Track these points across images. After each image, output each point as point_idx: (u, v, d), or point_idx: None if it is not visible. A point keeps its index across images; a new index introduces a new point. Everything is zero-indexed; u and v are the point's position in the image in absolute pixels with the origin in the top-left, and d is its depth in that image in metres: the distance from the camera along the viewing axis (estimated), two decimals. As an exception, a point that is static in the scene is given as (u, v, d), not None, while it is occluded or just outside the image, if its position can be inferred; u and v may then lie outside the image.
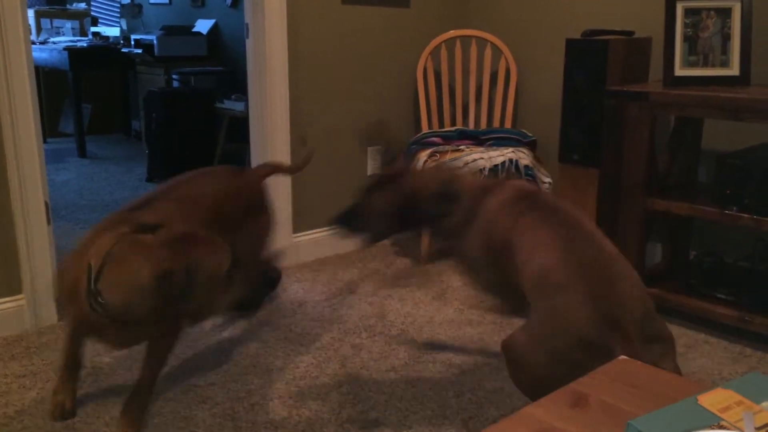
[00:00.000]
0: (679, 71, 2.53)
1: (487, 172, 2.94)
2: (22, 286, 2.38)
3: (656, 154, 2.66)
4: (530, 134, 3.19)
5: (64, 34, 6.19)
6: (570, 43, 2.78)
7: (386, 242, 3.45)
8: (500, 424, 1.10)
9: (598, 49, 2.70)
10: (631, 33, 2.86)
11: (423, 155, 3.05)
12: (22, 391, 2.00)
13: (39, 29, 5.98)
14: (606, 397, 1.08)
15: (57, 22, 6.26)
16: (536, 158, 3.05)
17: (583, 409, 1.06)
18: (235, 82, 5.10)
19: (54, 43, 5.67)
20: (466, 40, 3.41)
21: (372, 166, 3.38)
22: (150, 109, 4.74)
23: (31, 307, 2.39)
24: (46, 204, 2.41)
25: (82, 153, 5.37)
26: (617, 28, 2.91)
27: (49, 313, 2.44)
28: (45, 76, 5.81)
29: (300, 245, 3.15)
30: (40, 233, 2.38)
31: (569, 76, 2.80)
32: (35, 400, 1.95)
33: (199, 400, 1.97)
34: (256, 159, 3.04)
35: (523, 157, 2.96)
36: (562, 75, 2.83)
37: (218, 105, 4.80)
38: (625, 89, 2.53)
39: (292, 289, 2.82)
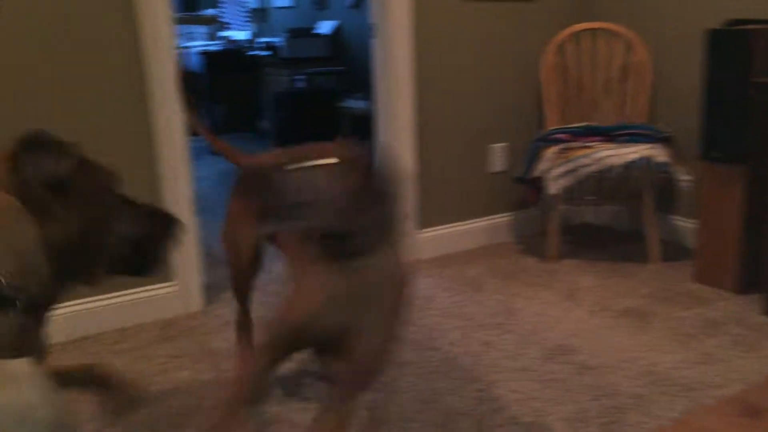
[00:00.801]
0: (842, 61, 2.33)
1: (619, 170, 2.84)
2: (174, 274, 2.57)
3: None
4: (666, 130, 3.04)
5: (196, 39, 6.57)
6: (711, 34, 2.63)
7: (511, 240, 3.42)
8: (666, 430, 1.07)
9: (742, 39, 2.53)
10: (782, 21, 2.66)
11: (549, 152, 2.99)
12: (175, 371, 2.16)
13: (175, 35, 6.39)
14: (786, 408, 1.02)
15: (189, 28, 6.66)
16: (674, 155, 2.91)
17: (757, 419, 1.01)
18: (357, 81, 5.22)
19: (188, 48, 6.03)
20: (594, 33, 3.31)
21: (496, 162, 3.36)
22: (278, 109, 4.94)
23: (181, 294, 2.58)
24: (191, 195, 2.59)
25: (214, 151, 5.68)
26: (762, 17, 2.72)
27: (196, 300, 2.63)
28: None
29: (426, 241, 3.18)
30: (188, 224, 2.56)
31: (710, 68, 2.65)
32: (187, 380, 2.10)
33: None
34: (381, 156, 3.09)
35: (659, 153, 2.84)
36: (702, 67, 2.69)
37: (340, 104, 4.93)
38: (777, 81, 2.37)
39: (420, 285, 2.85)
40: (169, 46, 2.40)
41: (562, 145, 3.03)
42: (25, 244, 0.97)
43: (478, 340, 2.35)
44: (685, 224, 3.24)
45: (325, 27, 5.76)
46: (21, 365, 0.94)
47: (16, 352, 0.95)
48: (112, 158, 2.41)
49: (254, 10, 6.78)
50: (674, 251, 3.16)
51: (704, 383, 2.05)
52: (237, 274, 1.87)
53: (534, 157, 3.07)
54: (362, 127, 4.66)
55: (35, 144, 0.98)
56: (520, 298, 2.70)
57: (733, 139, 2.62)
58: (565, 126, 3.23)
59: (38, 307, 1.00)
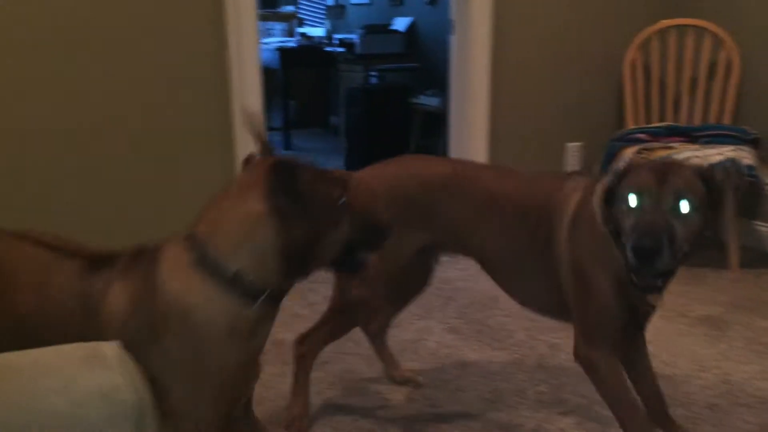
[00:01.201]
0: None
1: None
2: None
3: None
4: (753, 131, 2.90)
5: (274, 35, 6.71)
6: (810, 30, 2.48)
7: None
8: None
9: None
10: None
11: (628, 152, 2.90)
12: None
13: (254, 31, 6.55)
14: None
15: (268, 24, 6.81)
16: (760, 158, 2.77)
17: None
18: (430, 78, 5.20)
19: (266, 44, 6.17)
20: (680, 30, 3.18)
21: (571, 161, 3.28)
22: (350, 105, 4.99)
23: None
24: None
25: (288, 146, 5.80)
26: None
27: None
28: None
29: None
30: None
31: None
32: (255, 368, 2.15)
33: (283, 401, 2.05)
34: (455, 153, 3.08)
35: (745, 156, 2.70)
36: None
37: (413, 100, 4.92)
38: None
39: (484, 283, 2.82)
40: (253, 41, 2.47)
41: (641, 146, 2.93)
42: (266, 246, 1.14)
43: (545, 342, 2.31)
44: (771, 231, 3.08)
45: (400, 24, 5.77)
46: (112, 348, 1.02)
47: (251, 336, 1.18)
48: (192, 157, 2.51)
49: (331, 7, 6.87)
50: (756, 258, 3.00)
51: (786, 398, 1.94)
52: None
53: (612, 157, 2.98)
54: (434, 124, 4.65)
55: (284, 163, 1.14)
56: (590, 301, 2.63)
57: (827, 142, 2.47)
58: (646, 126, 3.13)
59: (271, 300, 1.17)
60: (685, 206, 1.32)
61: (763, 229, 3.11)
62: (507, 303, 2.60)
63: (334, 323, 1.79)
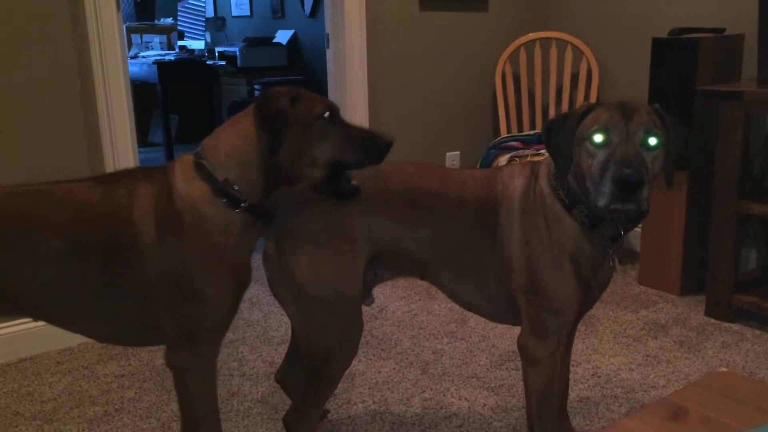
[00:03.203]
0: (776, 68, 2.40)
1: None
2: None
3: (750, 155, 2.54)
4: (614, 137, 3.10)
5: (152, 49, 6.49)
6: (657, 42, 2.69)
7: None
8: (594, 435, 1.08)
9: (687, 47, 2.60)
10: (722, 30, 2.74)
11: (502, 160, 3.02)
12: (121, 390, 2.11)
13: (130, 44, 6.29)
14: (706, 410, 1.04)
15: (146, 37, 6.57)
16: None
17: (682, 422, 1.03)
18: (313, 90, 5.19)
19: (144, 57, 5.95)
20: (545, 42, 3.36)
21: (450, 171, 3.38)
22: (233, 119, 4.89)
23: (127, 310, 2.53)
24: (141, 211, 2.55)
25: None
26: (707, 26, 2.80)
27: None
28: (135, 89, 6.09)
29: (379, 251, 3.18)
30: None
31: (655, 76, 2.71)
32: (133, 399, 2.06)
33: (285, 401, 2.02)
34: (337, 166, 3.09)
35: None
36: (648, 75, 2.75)
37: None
38: (717, 89, 2.43)
39: (374, 295, 2.84)
40: (118, 56, 2.37)
41: (513, 153, 3.07)
42: (250, 159, 1.35)
43: (429, 348, 2.36)
44: (634, 229, 3.30)
45: (282, 36, 5.74)
46: None
47: (241, 239, 1.38)
48: (57, 171, 2.36)
49: (211, 19, 6.73)
50: (622, 255, 3.21)
51: (647, 385, 2.09)
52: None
53: (488, 164, 3.10)
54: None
55: (271, 92, 1.37)
56: (472, 305, 2.72)
57: (676, 145, 2.68)
58: (518, 134, 3.28)
59: (254, 209, 1.38)
60: (653, 141, 1.28)
61: (627, 227, 3.33)
62: (395, 313, 2.65)
63: (313, 389, 1.58)
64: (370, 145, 1.42)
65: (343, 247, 1.49)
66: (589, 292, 1.47)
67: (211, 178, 1.35)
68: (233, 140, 1.37)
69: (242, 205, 1.36)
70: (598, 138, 1.29)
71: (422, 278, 1.63)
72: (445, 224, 1.52)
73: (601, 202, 1.28)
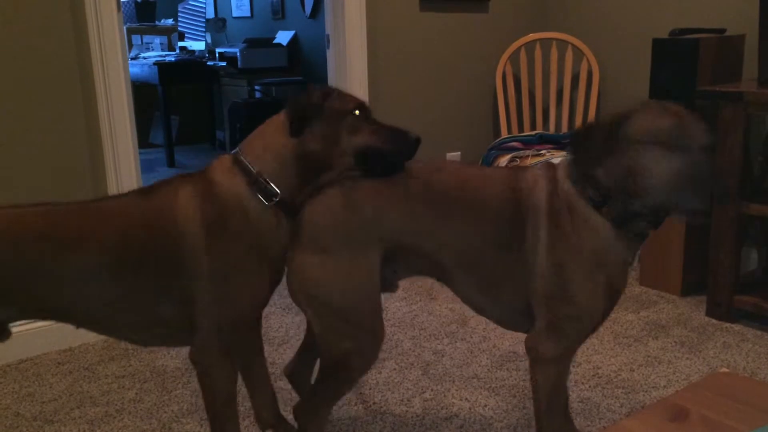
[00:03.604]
0: (777, 69, 2.40)
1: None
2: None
3: (750, 156, 2.54)
4: (614, 137, 3.10)
5: (153, 50, 6.49)
6: (657, 43, 2.69)
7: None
8: (595, 435, 1.08)
9: (687, 48, 2.60)
10: (722, 31, 2.74)
11: (503, 160, 3.02)
12: (122, 391, 2.11)
13: (130, 45, 6.30)
14: (707, 411, 1.04)
15: (147, 38, 6.58)
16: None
17: (683, 423, 1.03)
18: (314, 91, 5.20)
19: (144, 58, 5.95)
20: (545, 43, 3.36)
21: (451, 172, 3.38)
22: (234, 120, 4.91)
23: (128, 311, 2.53)
24: (142, 212, 2.54)
25: (171, 163, 5.61)
26: (707, 26, 2.80)
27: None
28: (136, 89, 6.10)
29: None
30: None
31: (656, 77, 2.71)
32: (134, 400, 2.06)
33: (286, 402, 2.02)
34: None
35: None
36: (648, 76, 2.75)
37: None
38: (717, 89, 2.43)
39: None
40: (118, 57, 2.37)
41: (514, 154, 3.07)
42: (284, 151, 1.41)
43: (430, 349, 2.36)
44: (635, 229, 3.30)
45: (282, 37, 5.75)
46: None
47: (276, 234, 1.43)
48: (57, 172, 2.36)
49: (211, 20, 6.73)
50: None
51: (648, 385, 2.09)
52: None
53: (488, 165, 3.10)
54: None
55: (305, 91, 1.44)
56: (473, 305, 2.72)
57: (676, 145, 2.68)
58: (519, 134, 3.28)
59: (286, 205, 1.43)
60: (711, 145, 1.33)
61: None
62: (395, 314, 2.65)
63: (328, 387, 1.55)
64: (400, 139, 1.44)
65: (357, 251, 1.45)
66: (614, 296, 1.46)
67: (247, 171, 1.40)
68: (268, 134, 1.44)
69: (274, 199, 1.40)
70: (667, 143, 1.31)
71: (438, 279, 1.60)
72: (464, 229, 1.47)
73: (690, 204, 1.33)
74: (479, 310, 1.60)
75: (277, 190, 1.40)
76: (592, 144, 1.38)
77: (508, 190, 1.47)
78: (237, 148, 1.46)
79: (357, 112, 1.43)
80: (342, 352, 1.48)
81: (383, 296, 1.60)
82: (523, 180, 1.48)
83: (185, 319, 1.40)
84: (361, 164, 1.44)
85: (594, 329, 1.52)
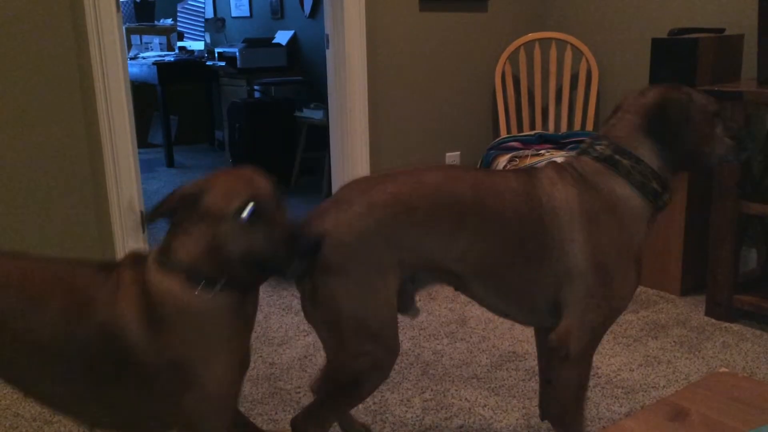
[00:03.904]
0: (776, 68, 2.41)
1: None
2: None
3: (750, 156, 2.54)
4: (613, 137, 3.10)
5: (152, 49, 6.49)
6: (656, 43, 2.69)
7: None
8: (595, 435, 1.08)
9: (686, 48, 2.60)
10: (721, 30, 2.74)
11: (502, 160, 3.02)
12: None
13: (129, 45, 6.30)
14: (707, 411, 1.04)
15: (146, 38, 6.58)
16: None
17: (683, 422, 1.03)
18: (313, 91, 5.21)
19: (143, 58, 5.95)
20: (545, 43, 3.36)
21: (450, 171, 3.38)
22: (233, 120, 4.90)
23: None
24: (142, 213, 2.54)
25: (170, 163, 5.61)
26: (706, 26, 2.80)
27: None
28: (135, 89, 6.10)
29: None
30: (136, 241, 2.51)
31: (655, 76, 2.71)
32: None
33: (285, 403, 2.02)
34: (337, 166, 3.09)
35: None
36: (648, 76, 2.75)
37: (297, 114, 4.91)
38: (717, 89, 2.43)
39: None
40: (117, 57, 2.37)
41: (513, 153, 3.06)
42: (227, 255, 1.24)
43: (429, 349, 2.36)
44: (634, 229, 3.30)
45: (282, 37, 5.74)
46: None
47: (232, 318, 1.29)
48: (56, 172, 2.36)
49: (210, 20, 6.73)
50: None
51: (647, 385, 2.09)
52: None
53: (488, 165, 3.10)
54: (319, 138, 4.65)
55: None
56: (472, 306, 2.72)
57: (676, 145, 2.68)
58: (518, 134, 3.28)
59: (235, 289, 1.28)
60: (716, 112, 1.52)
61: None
62: (393, 313, 2.65)
63: (337, 401, 1.54)
64: (292, 241, 1.24)
65: (373, 271, 1.43)
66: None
67: (177, 267, 1.27)
68: (200, 241, 1.25)
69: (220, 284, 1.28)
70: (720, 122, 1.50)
71: (456, 289, 1.58)
72: (482, 238, 1.45)
73: (743, 155, 1.52)
74: (503, 315, 1.60)
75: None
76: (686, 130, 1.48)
77: (524, 200, 1.46)
78: (159, 251, 1.29)
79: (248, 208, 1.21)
80: (356, 371, 1.46)
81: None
82: (540, 188, 1.47)
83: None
84: (252, 272, 1.26)
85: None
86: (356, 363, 1.46)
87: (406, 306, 1.57)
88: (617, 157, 1.46)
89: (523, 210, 1.45)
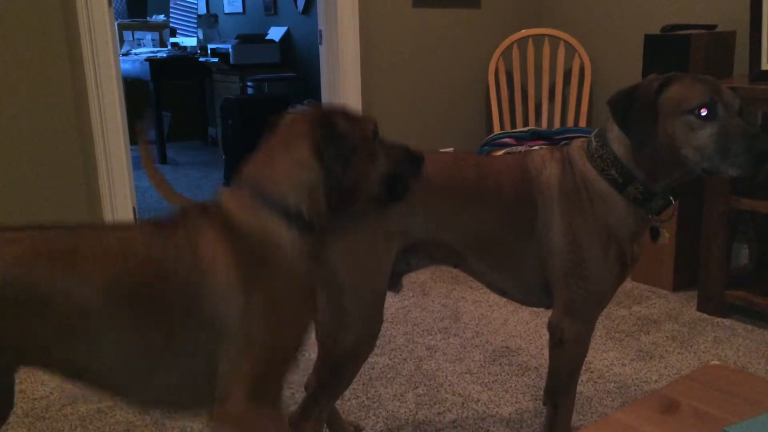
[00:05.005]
0: (767, 65, 2.42)
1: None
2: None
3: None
4: (606, 133, 3.11)
5: (144, 46, 6.47)
6: (649, 39, 2.70)
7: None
8: (588, 428, 1.08)
9: (679, 44, 2.61)
10: (713, 27, 2.75)
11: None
12: (114, 387, 2.10)
13: (122, 41, 6.27)
14: (697, 403, 1.05)
15: (138, 34, 6.55)
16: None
17: (673, 414, 1.03)
18: (307, 87, 5.20)
19: (136, 54, 5.93)
20: (538, 39, 3.37)
21: (444, 168, 3.38)
22: (226, 116, 4.89)
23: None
24: (134, 209, 2.53)
25: (163, 159, 5.60)
26: (699, 22, 2.81)
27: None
28: (127, 86, 6.07)
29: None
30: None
31: (648, 72, 2.71)
32: (126, 396, 2.05)
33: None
34: (330, 163, 3.09)
35: (600, 156, 2.89)
36: (640, 72, 2.76)
37: (290, 110, 4.90)
38: (708, 85, 2.44)
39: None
40: (110, 53, 2.36)
41: (507, 149, 3.07)
42: (315, 186, 1.26)
43: (423, 344, 2.36)
44: (627, 225, 3.31)
45: (275, 33, 5.73)
46: None
47: (313, 255, 1.29)
48: (47, 169, 2.35)
49: (203, 16, 6.71)
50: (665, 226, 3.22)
51: (639, 380, 2.10)
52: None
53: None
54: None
55: (323, 116, 1.28)
56: (466, 302, 2.72)
57: (668, 141, 2.69)
58: (511, 130, 3.28)
59: (319, 230, 1.29)
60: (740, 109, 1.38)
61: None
62: (389, 309, 2.65)
63: (327, 386, 1.57)
64: (413, 160, 1.39)
65: (379, 240, 1.49)
66: (626, 270, 1.53)
67: (280, 205, 1.24)
68: (293, 168, 1.25)
69: (313, 227, 1.30)
70: (704, 111, 1.33)
71: (455, 267, 1.64)
72: (483, 213, 1.53)
73: (736, 171, 1.34)
74: (501, 292, 1.66)
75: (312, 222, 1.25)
76: (634, 118, 1.41)
77: (518, 176, 1.53)
78: (243, 181, 1.27)
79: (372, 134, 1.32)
80: (348, 342, 1.51)
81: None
82: (531, 162, 1.55)
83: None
84: (385, 191, 1.34)
85: (607, 301, 1.59)
86: (349, 333, 1.50)
87: (393, 282, 1.61)
88: (593, 141, 1.50)
89: (518, 184, 1.52)
